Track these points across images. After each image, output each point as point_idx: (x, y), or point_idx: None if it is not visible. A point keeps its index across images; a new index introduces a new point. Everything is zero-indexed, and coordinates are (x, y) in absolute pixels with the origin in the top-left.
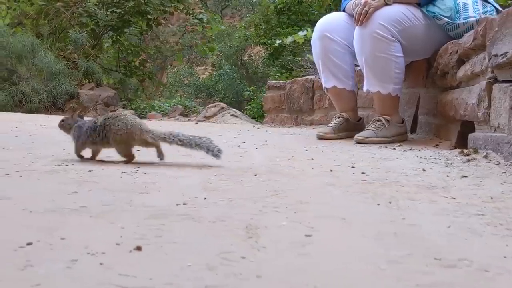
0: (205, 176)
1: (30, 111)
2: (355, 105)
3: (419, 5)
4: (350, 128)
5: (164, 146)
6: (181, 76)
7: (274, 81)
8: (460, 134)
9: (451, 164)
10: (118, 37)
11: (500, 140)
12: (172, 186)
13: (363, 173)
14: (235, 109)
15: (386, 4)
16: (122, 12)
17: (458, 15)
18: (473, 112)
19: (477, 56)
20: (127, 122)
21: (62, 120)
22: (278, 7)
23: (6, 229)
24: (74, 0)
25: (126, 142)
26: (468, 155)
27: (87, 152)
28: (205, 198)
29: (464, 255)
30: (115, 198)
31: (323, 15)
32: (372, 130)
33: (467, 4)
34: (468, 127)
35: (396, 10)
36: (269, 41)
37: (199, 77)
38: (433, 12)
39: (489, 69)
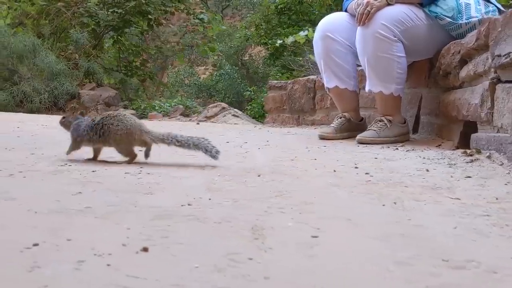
0: (208, 176)
1: (31, 111)
2: (357, 105)
3: (421, 5)
4: (352, 128)
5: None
6: (182, 76)
7: (276, 81)
8: (463, 134)
9: (455, 164)
10: (119, 37)
11: (504, 141)
12: (176, 186)
13: (367, 173)
14: (236, 109)
15: (388, 4)
16: (123, 12)
17: (460, 15)
18: (476, 112)
19: (480, 56)
20: (126, 122)
21: (63, 118)
22: (278, 7)
23: (12, 230)
24: (75, 0)
25: (126, 142)
26: (471, 155)
27: (85, 152)
28: (209, 199)
29: (472, 256)
30: (119, 199)
31: (324, 15)
32: (374, 130)
33: (469, 4)
34: (470, 127)
35: (398, 10)
36: (269, 41)
37: (200, 77)
38: (435, 12)
39: (492, 69)
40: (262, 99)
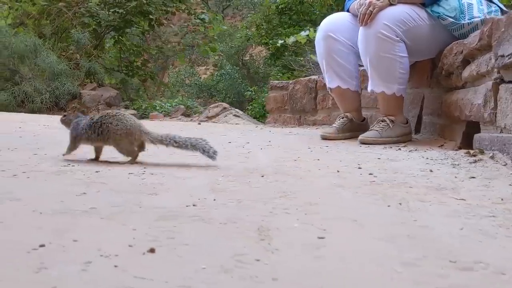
0: (212, 177)
1: (32, 111)
2: (359, 105)
3: (423, 5)
4: (354, 129)
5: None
6: (183, 76)
7: (277, 81)
8: (465, 134)
9: (458, 165)
10: (120, 37)
11: (507, 141)
12: (180, 187)
13: (370, 174)
14: (237, 109)
15: (391, 4)
16: (124, 12)
17: (462, 15)
18: (478, 113)
19: (482, 56)
20: (126, 122)
21: (64, 116)
22: (279, 7)
23: (17, 231)
24: (76, 0)
25: (126, 142)
26: (474, 155)
27: (87, 153)
28: (214, 200)
29: (479, 257)
30: (124, 199)
31: (325, 15)
32: (377, 130)
33: (472, 4)
34: (473, 127)
35: (400, 10)
36: (270, 41)
37: (201, 77)
38: (438, 12)
39: (495, 70)
40: (263, 99)
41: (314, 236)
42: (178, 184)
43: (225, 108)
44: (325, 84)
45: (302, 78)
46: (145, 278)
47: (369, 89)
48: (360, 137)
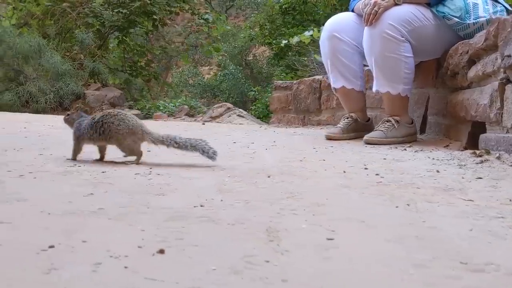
0: (218, 177)
1: (36, 111)
2: (364, 106)
3: (429, 5)
4: (359, 129)
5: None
6: (186, 76)
7: (281, 81)
8: (471, 134)
9: (465, 165)
10: (124, 37)
11: None
12: (187, 187)
13: (377, 174)
14: (241, 109)
15: (396, 4)
16: (128, 13)
17: (468, 15)
18: (484, 113)
19: (488, 56)
20: (128, 122)
21: (67, 115)
22: (283, 7)
23: (26, 232)
24: (80, 0)
25: (130, 141)
26: (480, 156)
27: (93, 152)
28: (221, 200)
29: (489, 259)
30: (131, 200)
31: (328, 15)
32: (382, 130)
33: (477, 4)
34: (478, 127)
35: (405, 10)
36: (274, 41)
37: (204, 77)
38: (443, 12)
39: (502, 70)
40: (267, 99)
41: (322, 237)
42: (185, 184)
43: (229, 108)
44: (329, 84)
45: (306, 78)
46: (156, 279)
47: (374, 89)
48: (365, 137)
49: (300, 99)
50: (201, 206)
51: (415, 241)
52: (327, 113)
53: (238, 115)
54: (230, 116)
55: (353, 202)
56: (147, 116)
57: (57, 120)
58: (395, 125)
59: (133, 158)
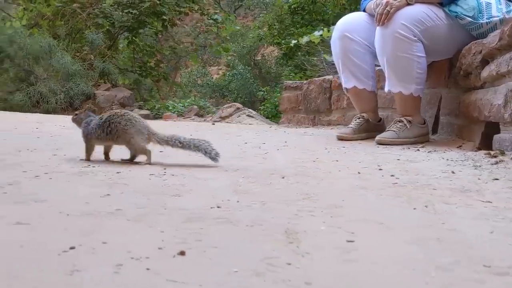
0: (233, 178)
1: (47, 111)
2: (376, 106)
3: (441, 5)
4: (370, 129)
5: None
6: (195, 76)
7: (291, 81)
8: (484, 135)
9: (480, 166)
10: (133, 37)
11: None
12: (202, 188)
13: (392, 175)
14: (250, 110)
15: (408, 4)
16: (138, 13)
17: (481, 14)
18: (498, 113)
19: (502, 56)
20: (135, 122)
21: (75, 115)
22: (292, 6)
23: (47, 233)
24: (90, 1)
25: (137, 140)
26: (495, 156)
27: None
28: (237, 201)
29: None
30: (148, 201)
31: (338, 15)
32: (394, 131)
33: (490, 3)
34: (492, 128)
35: (418, 10)
36: (283, 41)
37: (212, 77)
38: (456, 12)
39: None
40: (275, 99)
41: (342, 239)
42: (200, 185)
43: (238, 108)
44: (340, 84)
45: (316, 78)
46: (178, 281)
47: (386, 89)
48: (377, 137)
49: (310, 99)
50: (218, 207)
51: (436, 243)
52: (337, 113)
53: (248, 115)
54: (239, 116)
55: (370, 203)
56: (157, 116)
57: (68, 120)
58: (407, 125)
59: (142, 158)
